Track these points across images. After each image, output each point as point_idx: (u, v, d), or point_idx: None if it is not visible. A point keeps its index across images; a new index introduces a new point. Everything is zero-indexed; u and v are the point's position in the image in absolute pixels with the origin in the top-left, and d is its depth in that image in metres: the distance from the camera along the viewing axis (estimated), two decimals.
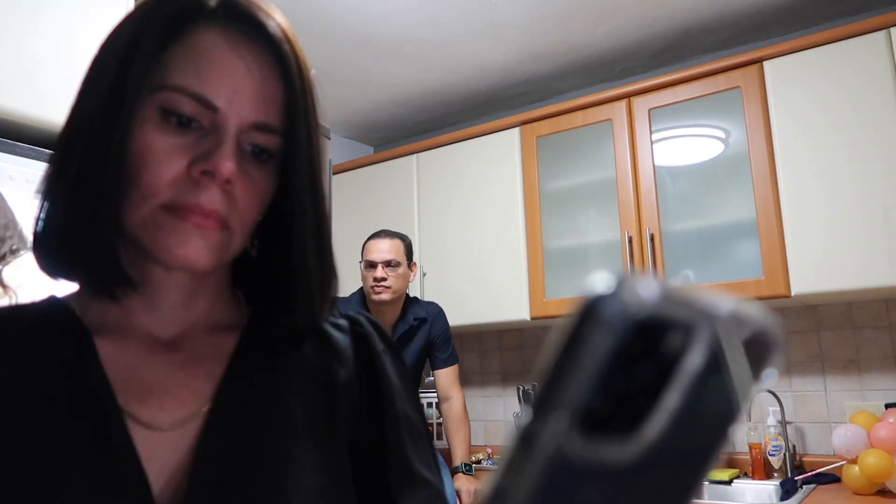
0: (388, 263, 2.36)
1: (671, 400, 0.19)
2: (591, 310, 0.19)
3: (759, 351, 0.20)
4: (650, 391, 0.19)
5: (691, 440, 0.20)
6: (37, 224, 0.54)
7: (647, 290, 0.19)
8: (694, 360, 0.19)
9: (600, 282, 0.19)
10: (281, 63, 0.55)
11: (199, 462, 0.51)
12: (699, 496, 0.21)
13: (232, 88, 0.53)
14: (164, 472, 0.50)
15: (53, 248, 0.54)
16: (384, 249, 2.39)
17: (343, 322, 0.65)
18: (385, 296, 2.34)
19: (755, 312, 0.20)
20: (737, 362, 0.20)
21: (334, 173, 2.97)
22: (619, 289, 0.19)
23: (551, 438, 0.18)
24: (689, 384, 0.19)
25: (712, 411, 0.20)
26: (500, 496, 0.19)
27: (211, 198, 0.52)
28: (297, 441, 0.55)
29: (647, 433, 0.19)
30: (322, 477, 0.54)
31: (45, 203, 0.54)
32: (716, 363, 0.19)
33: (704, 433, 0.20)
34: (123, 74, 0.52)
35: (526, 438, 0.19)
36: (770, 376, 0.20)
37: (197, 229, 0.52)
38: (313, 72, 0.58)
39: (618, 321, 0.18)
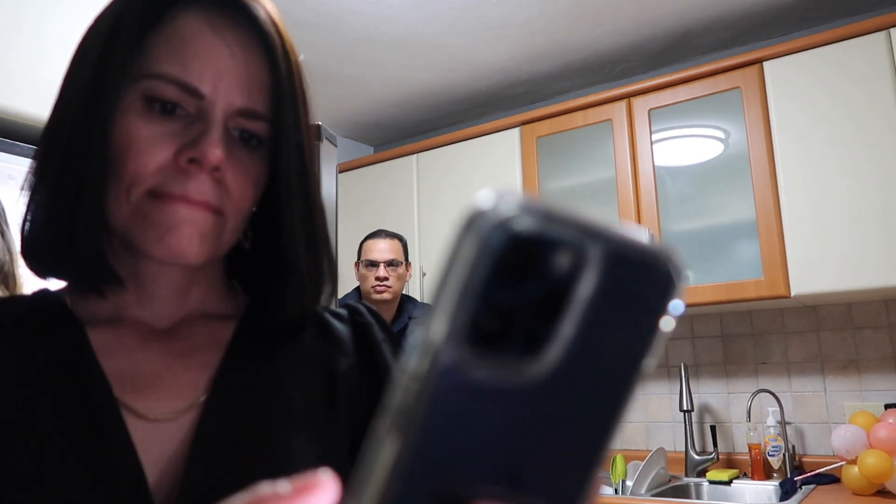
0: (389, 263, 2.37)
1: (568, 324, 0.19)
2: (469, 223, 0.19)
3: (661, 280, 0.20)
4: (547, 314, 0.19)
5: (600, 367, 0.20)
6: (24, 223, 0.54)
7: (525, 205, 0.19)
8: (586, 283, 0.19)
9: (482, 197, 0.19)
10: (266, 47, 0.54)
11: (195, 452, 0.50)
12: (618, 428, 0.20)
13: (216, 74, 0.51)
14: (160, 463, 0.50)
15: (40, 247, 0.53)
16: (385, 249, 2.39)
17: (343, 312, 0.65)
18: (386, 295, 2.35)
19: (653, 240, 0.20)
20: (636, 289, 0.20)
21: None
22: (497, 203, 0.19)
23: (435, 346, 0.18)
24: (585, 309, 0.19)
25: (618, 340, 0.20)
26: (398, 408, 0.19)
27: (199, 187, 0.51)
28: (295, 430, 0.54)
29: (547, 356, 0.19)
30: (321, 465, 0.54)
31: (31, 200, 0.53)
32: (612, 288, 0.19)
33: (613, 363, 0.20)
34: (104, 63, 0.51)
35: (418, 348, 0.19)
36: (676, 308, 0.20)
37: (189, 212, 0.51)
38: (301, 58, 0.57)
39: (492, 233, 0.18)
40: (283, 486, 0.22)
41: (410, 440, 0.19)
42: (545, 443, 0.20)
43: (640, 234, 0.20)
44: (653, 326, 0.20)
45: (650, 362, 0.20)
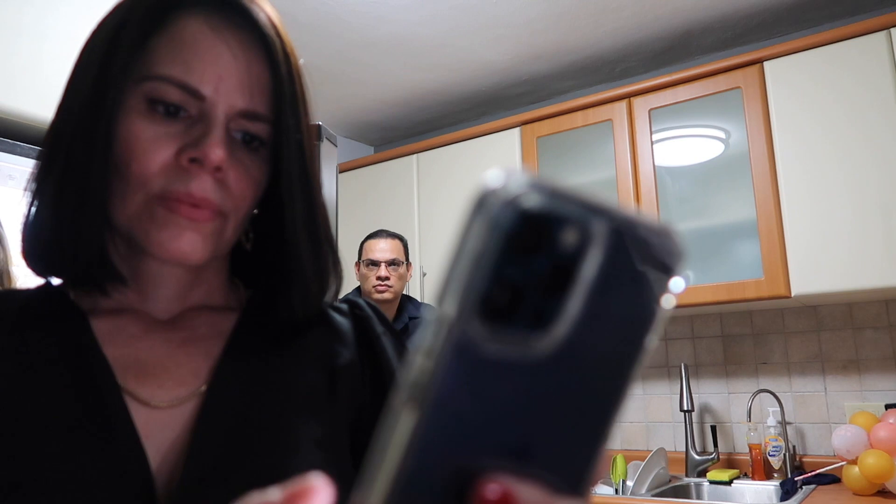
0: (391, 262, 2.37)
1: (575, 299, 0.20)
2: (479, 201, 0.19)
3: (663, 258, 0.20)
4: (555, 290, 0.20)
5: (605, 343, 0.20)
6: (25, 222, 0.54)
7: (534, 183, 0.19)
8: (593, 259, 0.20)
9: (492, 176, 0.19)
10: (266, 49, 0.54)
11: (196, 440, 0.51)
12: (624, 405, 0.21)
13: (217, 75, 0.52)
14: (162, 450, 0.50)
15: (41, 246, 0.54)
16: (386, 249, 2.39)
17: (342, 306, 0.65)
18: (388, 294, 2.35)
19: (655, 218, 0.21)
20: (641, 265, 0.20)
21: None
22: (506, 181, 0.19)
23: (448, 321, 0.19)
24: (591, 284, 0.20)
25: (622, 316, 0.20)
26: (414, 382, 0.20)
27: (201, 186, 0.51)
28: (296, 419, 0.55)
29: (555, 331, 0.20)
30: (321, 455, 0.54)
31: (34, 200, 0.54)
32: (618, 265, 0.20)
33: (618, 338, 0.20)
34: (107, 65, 0.52)
35: (433, 324, 0.19)
36: (677, 286, 0.21)
37: (189, 222, 0.51)
38: (302, 60, 0.58)
39: (502, 210, 0.19)
40: (273, 494, 0.22)
41: (426, 413, 0.19)
42: (554, 416, 0.20)
43: (645, 214, 0.20)
44: (655, 303, 0.21)
45: (653, 338, 0.21)
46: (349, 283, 2.55)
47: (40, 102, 1.27)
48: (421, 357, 0.20)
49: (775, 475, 2.22)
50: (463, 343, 0.19)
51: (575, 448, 0.21)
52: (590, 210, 0.19)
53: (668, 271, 0.20)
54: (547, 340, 0.20)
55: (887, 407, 2.14)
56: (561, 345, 0.20)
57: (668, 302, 0.20)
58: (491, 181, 0.19)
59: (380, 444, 0.20)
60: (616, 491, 2.28)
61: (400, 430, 0.20)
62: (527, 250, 0.19)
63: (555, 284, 0.19)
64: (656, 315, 0.21)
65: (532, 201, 0.19)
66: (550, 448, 0.21)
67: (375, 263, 2.37)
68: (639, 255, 0.20)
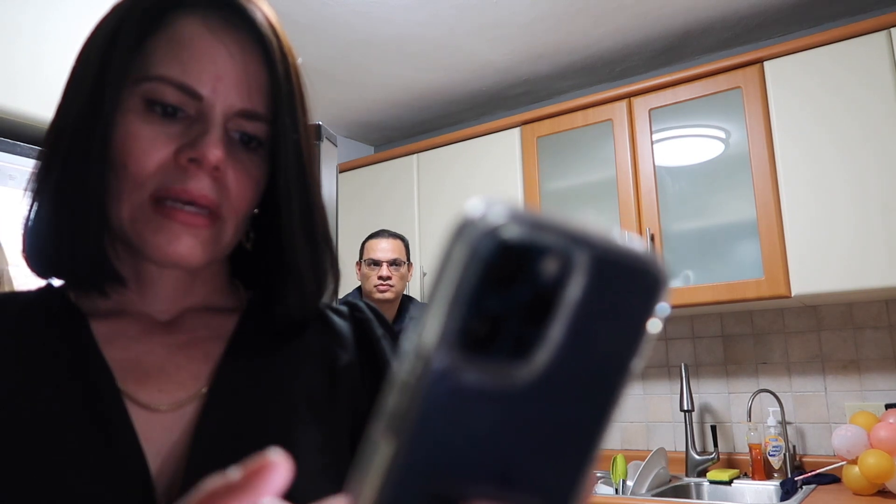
0: (392, 262, 2.37)
1: (556, 328, 0.20)
2: (459, 231, 0.19)
3: (646, 283, 0.20)
4: (536, 319, 0.20)
5: (588, 369, 0.20)
6: (25, 223, 0.54)
7: (514, 214, 0.19)
8: (574, 288, 0.19)
9: (472, 206, 0.19)
10: (263, 49, 0.54)
11: (197, 443, 0.51)
12: (609, 427, 0.21)
13: (215, 75, 0.52)
14: (162, 453, 0.50)
15: (42, 247, 0.54)
16: (388, 248, 2.40)
17: (342, 308, 0.65)
18: (389, 294, 2.35)
19: (636, 244, 0.20)
20: (623, 293, 0.20)
21: None
22: (485, 212, 0.19)
23: (426, 351, 0.19)
24: (573, 313, 0.20)
25: (606, 343, 0.20)
26: (391, 413, 0.20)
27: (199, 184, 0.51)
28: (297, 422, 0.55)
29: (536, 360, 0.20)
30: (322, 458, 0.54)
31: (34, 201, 0.54)
32: (600, 293, 0.20)
33: (602, 365, 0.20)
34: (105, 66, 0.52)
35: (411, 353, 0.19)
36: (662, 311, 0.20)
37: (186, 227, 0.51)
38: (300, 59, 0.58)
39: (482, 242, 0.19)
40: (233, 473, 0.22)
41: (405, 443, 0.19)
42: (537, 443, 0.20)
43: (626, 240, 0.20)
44: (640, 328, 0.20)
45: (638, 363, 0.21)
46: (349, 283, 2.55)
47: (40, 102, 1.27)
48: (399, 386, 0.19)
49: (775, 475, 2.22)
50: (441, 373, 0.19)
51: (559, 471, 0.21)
52: (571, 239, 0.19)
53: (651, 296, 0.20)
54: (528, 369, 0.20)
55: (887, 407, 2.14)
56: (542, 373, 0.20)
57: (653, 326, 0.20)
58: (470, 211, 0.19)
59: (359, 473, 0.20)
60: (616, 491, 2.28)
61: (378, 460, 0.20)
62: (507, 281, 0.19)
63: (536, 314, 0.19)
64: (641, 340, 0.20)
65: (511, 232, 0.19)
66: (534, 472, 0.20)
67: (377, 263, 2.37)
68: (622, 281, 0.20)
